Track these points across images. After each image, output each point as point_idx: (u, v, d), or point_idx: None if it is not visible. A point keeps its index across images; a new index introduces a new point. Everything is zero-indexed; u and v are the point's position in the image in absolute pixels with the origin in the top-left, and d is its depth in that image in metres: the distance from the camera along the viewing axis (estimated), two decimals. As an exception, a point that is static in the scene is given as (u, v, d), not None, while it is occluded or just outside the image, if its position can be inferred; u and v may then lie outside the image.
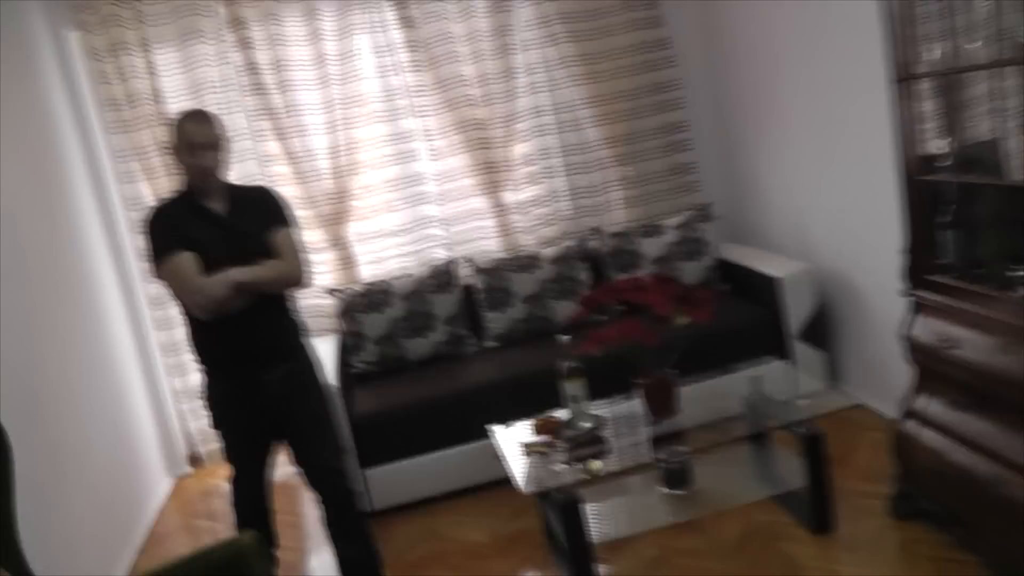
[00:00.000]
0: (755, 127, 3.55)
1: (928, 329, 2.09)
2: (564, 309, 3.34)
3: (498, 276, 3.41)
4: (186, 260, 2.10)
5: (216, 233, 2.18)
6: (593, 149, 3.70)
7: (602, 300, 2.83)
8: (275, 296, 2.25)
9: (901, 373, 2.33)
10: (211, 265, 2.11)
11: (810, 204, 3.24)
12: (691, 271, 3.43)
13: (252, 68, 3.32)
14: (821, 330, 3.17)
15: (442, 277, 3.40)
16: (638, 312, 2.68)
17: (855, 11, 2.60)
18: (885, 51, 2.06)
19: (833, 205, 3.08)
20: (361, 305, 3.32)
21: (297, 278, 2.26)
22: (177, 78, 3.28)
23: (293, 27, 3.35)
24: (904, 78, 2.03)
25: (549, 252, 3.46)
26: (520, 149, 3.66)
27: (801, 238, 3.32)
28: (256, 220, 2.24)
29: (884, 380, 2.81)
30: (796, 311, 3.14)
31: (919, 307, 2.15)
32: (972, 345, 1.91)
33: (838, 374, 3.21)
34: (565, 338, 2.49)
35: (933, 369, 2.11)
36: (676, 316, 2.59)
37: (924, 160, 2.05)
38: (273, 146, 3.40)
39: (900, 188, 2.12)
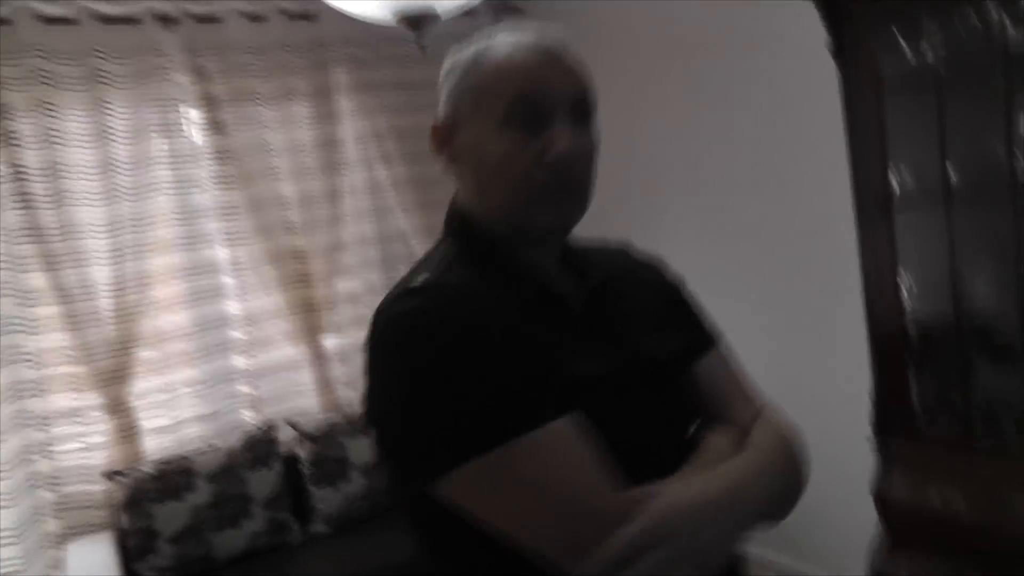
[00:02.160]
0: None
1: (903, 484, 2.41)
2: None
3: (329, 443, 3.24)
4: (575, 442, 0.96)
5: (603, 360, 1.10)
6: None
7: None
8: None
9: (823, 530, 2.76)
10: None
11: None
12: None
13: (17, 172, 2.83)
14: None
15: (259, 448, 3.15)
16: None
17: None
18: (851, 171, 2.41)
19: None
20: (153, 492, 2.97)
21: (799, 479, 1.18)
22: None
23: (75, 122, 2.95)
24: (878, 207, 2.36)
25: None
26: (344, 286, 3.53)
27: None
28: (660, 329, 1.23)
29: (803, 538, 3.20)
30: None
31: (892, 460, 2.48)
32: (953, 499, 2.27)
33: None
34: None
35: (909, 529, 2.43)
36: None
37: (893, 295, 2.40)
38: (38, 279, 2.91)
39: (869, 330, 2.48)
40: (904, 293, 2.40)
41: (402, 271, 3.47)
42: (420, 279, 1.08)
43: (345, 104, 3.61)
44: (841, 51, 2.35)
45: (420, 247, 3.75)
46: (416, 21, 2.10)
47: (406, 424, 0.98)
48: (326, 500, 3.27)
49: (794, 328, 3.16)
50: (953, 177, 2.27)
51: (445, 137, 1.16)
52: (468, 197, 1.16)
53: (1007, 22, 2.09)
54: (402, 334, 1.00)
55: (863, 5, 2.29)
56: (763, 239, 3.21)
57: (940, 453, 2.36)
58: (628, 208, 3.71)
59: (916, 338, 2.45)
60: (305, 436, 3.30)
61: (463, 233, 1.17)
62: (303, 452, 3.30)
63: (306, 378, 3.56)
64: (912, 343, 2.44)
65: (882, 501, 2.50)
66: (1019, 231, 2.18)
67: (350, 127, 3.64)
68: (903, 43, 2.31)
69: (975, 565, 2.30)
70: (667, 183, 3.57)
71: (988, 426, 2.33)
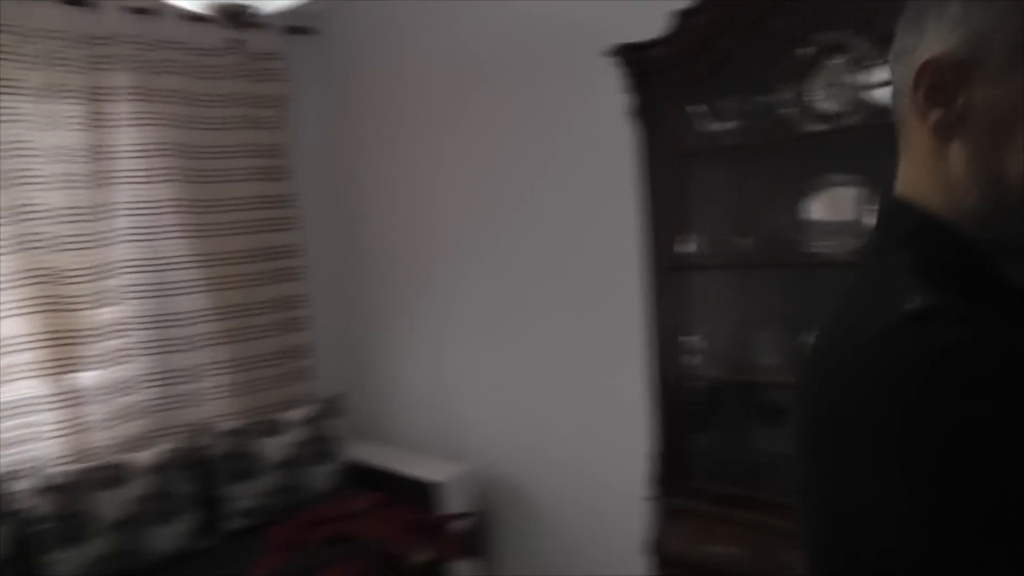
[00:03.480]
0: (389, 309, 3.91)
1: (682, 540, 2.51)
2: (165, 537, 3.13)
3: (72, 497, 2.95)
4: None
5: None
6: (195, 321, 3.45)
7: (305, 537, 2.68)
8: None
9: None
10: None
11: (464, 397, 3.63)
12: (320, 477, 3.46)
13: None
14: (483, 538, 3.49)
15: (-10, 501, 2.79)
16: (351, 546, 2.58)
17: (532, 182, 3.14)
18: (643, 237, 2.47)
19: (493, 400, 3.50)
20: None
21: None
22: None
23: None
24: (670, 270, 2.45)
25: (144, 459, 3.12)
26: (105, 315, 3.23)
27: (450, 436, 3.72)
28: None
29: None
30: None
31: (670, 517, 2.57)
32: (732, 554, 2.39)
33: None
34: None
35: None
36: (415, 553, 2.59)
37: (679, 356, 2.48)
38: None
39: (652, 389, 2.54)
40: (690, 355, 2.54)
41: (177, 300, 3.24)
42: (918, 302, 0.70)
43: (124, 110, 3.26)
44: (641, 116, 2.43)
45: (196, 275, 3.48)
46: (233, 15, 1.96)
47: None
48: (67, 563, 2.89)
49: (574, 383, 3.18)
50: (746, 246, 2.43)
51: (951, 82, 0.77)
52: (960, 185, 0.79)
53: (798, 111, 2.27)
54: (957, 379, 0.64)
55: (667, 76, 2.38)
56: (546, 297, 3.21)
57: (720, 510, 2.47)
58: (408, 267, 3.72)
59: (699, 398, 2.58)
60: (47, 488, 2.91)
61: (934, 240, 0.80)
62: (42, 507, 2.90)
63: (53, 419, 3.12)
64: (694, 403, 2.55)
65: (660, 557, 2.57)
66: (801, 300, 2.36)
67: (127, 136, 3.27)
68: (703, 118, 2.45)
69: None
70: (448, 237, 3.54)
71: (765, 483, 2.48)
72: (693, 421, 2.53)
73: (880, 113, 2.12)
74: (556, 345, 3.19)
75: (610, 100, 2.51)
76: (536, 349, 3.27)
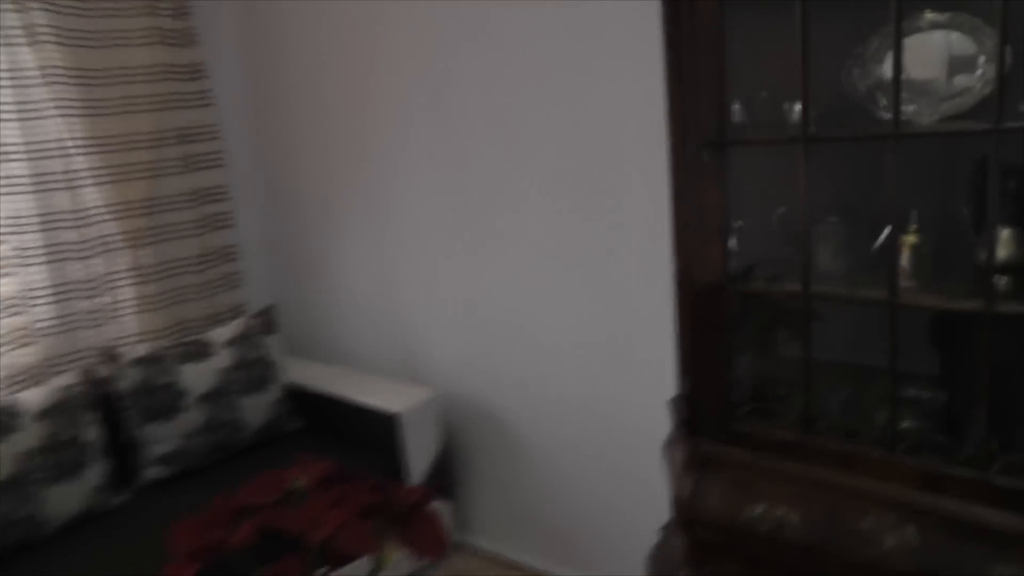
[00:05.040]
0: (324, 201, 3.31)
1: (719, 494, 2.04)
2: (65, 497, 2.54)
3: None
4: None
5: None
6: (91, 221, 2.84)
7: (217, 542, 1.98)
8: None
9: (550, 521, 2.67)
10: None
11: (421, 307, 3.11)
12: (254, 409, 2.92)
13: None
14: (449, 473, 3.06)
15: None
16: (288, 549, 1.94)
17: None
18: (667, 104, 1.91)
19: (459, 312, 3.00)
20: None
21: None
22: None
23: None
24: (700, 143, 1.89)
25: (34, 399, 2.52)
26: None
27: (403, 353, 3.21)
28: None
29: (528, 527, 2.94)
30: (419, 454, 2.91)
31: (706, 464, 2.08)
32: (780, 517, 1.94)
33: (468, 523, 3.18)
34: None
35: (722, 546, 2.05)
36: (383, 552, 1.99)
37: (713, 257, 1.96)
38: None
39: (677, 299, 2.02)
40: (728, 255, 2.00)
41: (64, 196, 2.51)
42: None
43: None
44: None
45: (87, 163, 2.84)
46: None
47: None
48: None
49: (566, 290, 2.64)
50: (804, 114, 1.86)
51: None
52: None
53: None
54: None
55: None
56: (527, 184, 2.62)
57: (768, 457, 1.96)
58: (344, 144, 3.09)
59: (739, 313, 2.08)
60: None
61: None
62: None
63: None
64: (731, 320, 2.01)
65: (689, 517, 2.08)
66: (874, 183, 1.81)
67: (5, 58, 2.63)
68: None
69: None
70: (394, 105, 2.92)
71: (830, 424, 2.01)
72: (732, 344, 2.01)
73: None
74: (544, 244, 2.63)
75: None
76: (515, 247, 2.71)
